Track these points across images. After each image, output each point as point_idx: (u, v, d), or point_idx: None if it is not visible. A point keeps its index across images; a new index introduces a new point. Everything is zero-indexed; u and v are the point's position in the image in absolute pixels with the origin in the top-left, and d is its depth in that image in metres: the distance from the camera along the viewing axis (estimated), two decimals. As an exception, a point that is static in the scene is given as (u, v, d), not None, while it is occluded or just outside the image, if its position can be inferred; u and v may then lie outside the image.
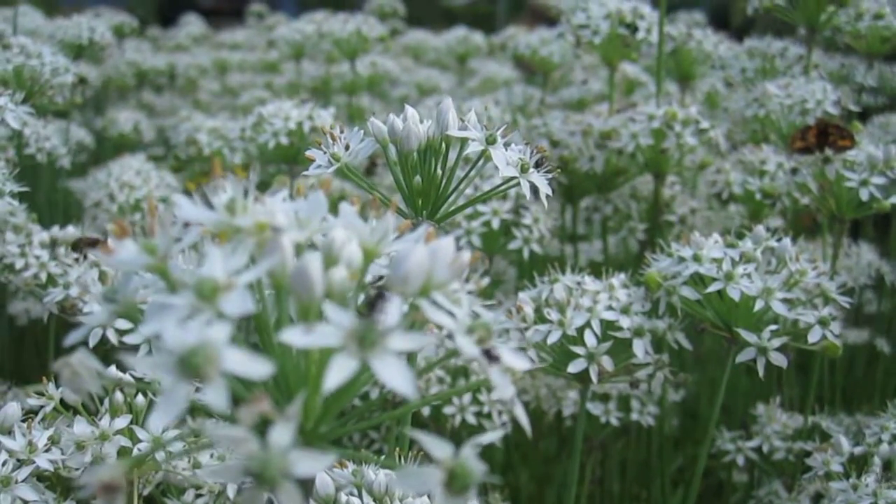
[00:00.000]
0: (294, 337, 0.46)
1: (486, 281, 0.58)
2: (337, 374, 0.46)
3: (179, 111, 2.87)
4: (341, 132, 0.96)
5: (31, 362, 2.15)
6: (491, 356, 0.51)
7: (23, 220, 1.53)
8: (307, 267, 0.49)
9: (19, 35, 1.93)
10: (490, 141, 0.91)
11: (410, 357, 0.82)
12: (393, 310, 0.48)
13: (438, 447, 0.48)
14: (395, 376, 0.46)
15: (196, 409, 0.80)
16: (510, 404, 0.58)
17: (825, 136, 1.41)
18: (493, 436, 0.52)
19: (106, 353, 1.07)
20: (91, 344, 1.11)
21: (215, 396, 0.43)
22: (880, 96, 2.29)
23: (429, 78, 3.06)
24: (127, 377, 1.05)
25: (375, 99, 3.02)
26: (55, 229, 1.49)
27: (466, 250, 0.56)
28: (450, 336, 0.53)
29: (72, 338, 0.54)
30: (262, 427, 0.46)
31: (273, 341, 0.55)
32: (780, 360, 1.14)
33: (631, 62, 2.44)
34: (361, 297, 0.55)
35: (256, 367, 0.45)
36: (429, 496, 0.93)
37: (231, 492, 1.10)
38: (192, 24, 4.10)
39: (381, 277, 0.57)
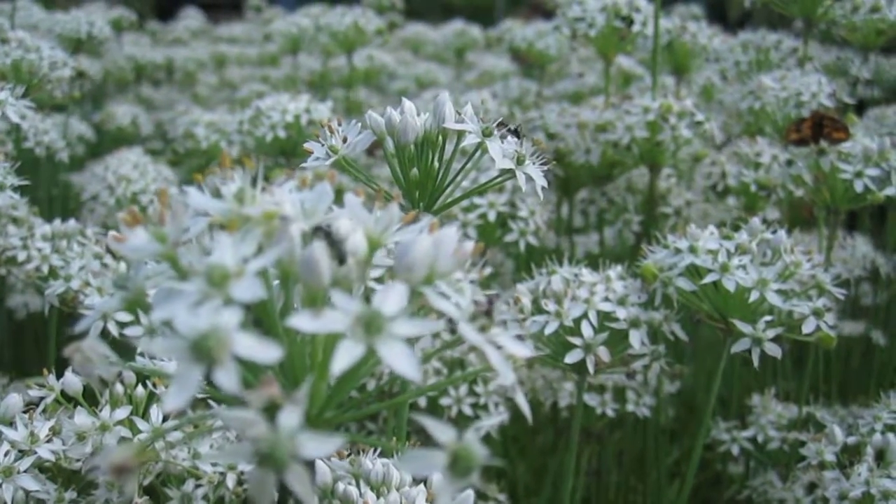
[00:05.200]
0: (302, 322, 0.48)
1: (488, 270, 0.59)
2: (343, 358, 0.47)
3: (177, 105, 2.87)
4: (339, 125, 0.97)
5: (31, 356, 2.15)
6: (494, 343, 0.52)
7: (24, 213, 1.54)
8: (315, 254, 0.50)
9: (17, 29, 1.94)
10: (486, 133, 0.93)
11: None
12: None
13: (442, 431, 0.49)
14: (400, 361, 0.48)
15: (196, 402, 0.81)
16: (511, 391, 0.59)
17: (820, 128, 1.42)
18: (493, 421, 0.53)
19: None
20: (92, 336, 1.12)
21: (227, 380, 0.45)
22: (875, 89, 2.30)
23: (427, 71, 3.07)
24: (127, 369, 1.06)
25: (373, 92, 3.02)
26: (57, 223, 1.50)
27: (469, 241, 0.57)
28: (452, 324, 0.54)
29: (81, 325, 0.55)
30: (269, 412, 0.48)
31: (278, 329, 0.56)
32: (774, 350, 1.15)
33: (626, 55, 2.45)
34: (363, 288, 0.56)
35: (266, 352, 0.46)
36: (425, 483, 0.94)
37: (230, 482, 1.11)
38: (190, 18, 4.11)
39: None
